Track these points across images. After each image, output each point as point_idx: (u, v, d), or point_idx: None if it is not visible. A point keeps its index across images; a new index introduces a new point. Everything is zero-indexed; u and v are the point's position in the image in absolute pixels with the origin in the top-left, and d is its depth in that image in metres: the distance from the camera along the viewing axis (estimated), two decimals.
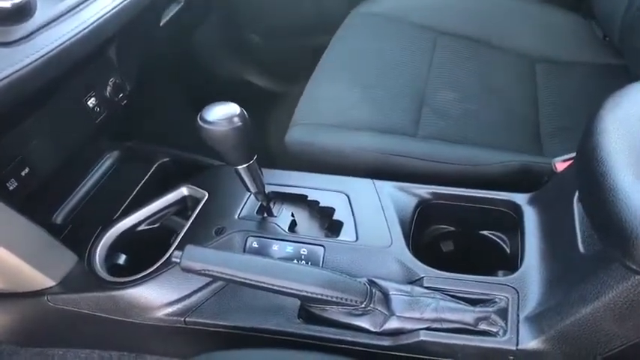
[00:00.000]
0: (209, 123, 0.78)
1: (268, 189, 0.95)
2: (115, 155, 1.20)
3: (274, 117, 1.58)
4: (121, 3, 0.93)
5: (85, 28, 0.82)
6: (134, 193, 1.15)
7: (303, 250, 0.85)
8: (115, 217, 1.07)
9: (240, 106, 0.80)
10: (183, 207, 1.05)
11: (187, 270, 0.77)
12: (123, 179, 1.18)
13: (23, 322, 0.98)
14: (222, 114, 0.79)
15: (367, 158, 1.03)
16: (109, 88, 1.08)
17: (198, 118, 0.79)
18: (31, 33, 0.74)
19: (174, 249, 0.84)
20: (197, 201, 1.02)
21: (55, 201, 1.09)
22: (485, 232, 0.91)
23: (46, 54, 0.74)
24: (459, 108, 1.16)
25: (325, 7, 1.65)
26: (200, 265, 0.76)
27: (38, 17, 0.77)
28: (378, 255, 0.82)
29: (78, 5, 0.85)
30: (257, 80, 1.82)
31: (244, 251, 0.87)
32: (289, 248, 0.86)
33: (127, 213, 1.05)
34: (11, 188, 0.90)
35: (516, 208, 0.86)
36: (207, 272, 0.76)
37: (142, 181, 1.17)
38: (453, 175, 0.97)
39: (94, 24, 0.85)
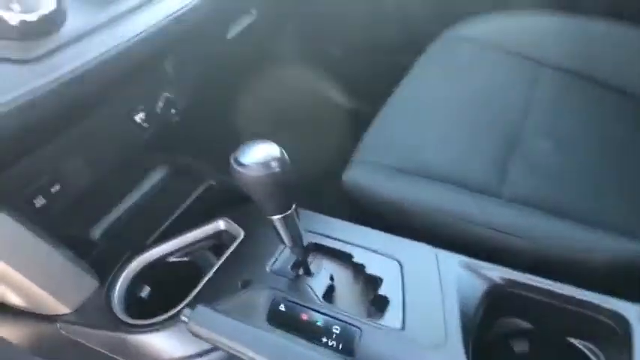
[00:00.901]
0: (242, 165, 0.65)
1: (309, 238, 0.80)
2: (161, 170, 1.11)
3: (341, 139, 1.43)
4: (177, 12, 0.82)
5: (122, 44, 0.73)
6: (176, 214, 1.06)
7: (336, 328, 0.69)
8: (149, 240, 0.98)
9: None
10: (217, 242, 0.94)
11: (194, 334, 0.65)
12: (167, 197, 1.09)
13: (34, 343, 0.92)
14: (258, 156, 0.66)
15: (431, 218, 0.85)
16: (160, 104, 0.99)
17: (231, 158, 0.67)
18: (53, 50, 0.65)
19: (187, 305, 0.72)
20: (232, 238, 0.89)
21: (93, 214, 1.02)
22: (573, 341, 0.70)
23: (67, 74, 0.65)
24: (560, 162, 0.93)
25: (414, 25, 1.47)
26: (208, 332, 0.64)
27: (68, 30, 0.67)
28: (426, 354, 0.64)
29: (121, 16, 0.75)
30: (332, 95, 1.68)
31: (268, 313, 0.73)
32: (320, 321, 0.70)
33: (162, 237, 0.95)
34: (38, 205, 0.82)
35: (624, 322, 0.65)
36: (214, 341, 0.64)
37: (186, 203, 1.07)
38: (541, 257, 0.77)
39: (135, 39, 0.75)
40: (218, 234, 0.93)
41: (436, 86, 1.14)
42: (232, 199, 1.03)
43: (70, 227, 0.96)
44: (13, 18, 0.59)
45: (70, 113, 0.76)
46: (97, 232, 1.03)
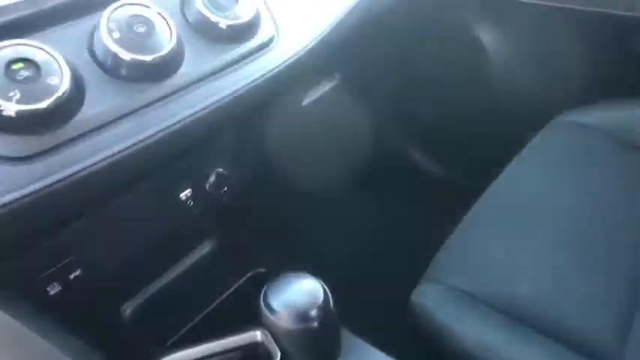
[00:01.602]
0: (272, 311, 0.51)
1: None
2: (207, 247, 0.98)
3: (432, 214, 1.24)
4: (252, 82, 0.69)
5: (171, 125, 0.60)
6: (213, 305, 0.92)
7: None
8: (180, 331, 0.85)
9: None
10: (251, 356, 0.78)
11: None
12: (209, 278, 0.96)
13: None
14: (295, 300, 0.50)
15: None
16: (211, 180, 0.86)
17: (261, 297, 0.52)
18: (69, 140, 0.53)
19: None
20: (268, 356, 0.74)
21: (127, 287, 0.91)
22: None
23: (85, 166, 0.53)
24: None
25: (526, 102, 1.25)
26: None
27: (87, 117, 0.56)
28: None
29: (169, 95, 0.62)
30: (422, 163, 1.50)
31: None
32: None
33: (193, 330, 0.82)
34: (52, 293, 0.72)
35: None
36: None
37: (227, 292, 0.93)
38: None
39: (190, 118, 0.62)
40: (254, 346, 0.78)
41: (539, 186, 0.92)
42: None
43: (102, 298, 0.86)
44: (11, 108, 0.48)
45: (95, 202, 0.65)
46: (128, 310, 0.92)
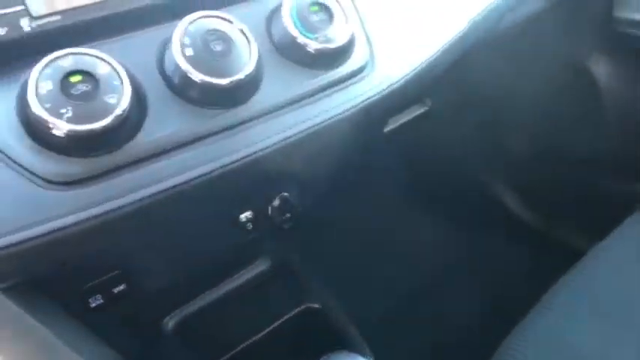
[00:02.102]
0: None
1: None
2: (259, 269, 0.91)
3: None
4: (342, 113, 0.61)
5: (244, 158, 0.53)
6: (261, 333, 0.85)
7: None
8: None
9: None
10: None
11: None
12: (258, 303, 0.89)
13: None
14: None
15: None
16: (275, 204, 0.78)
17: None
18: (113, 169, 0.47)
19: None
20: None
21: (171, 300, 0.86)
22: None
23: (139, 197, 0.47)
24: None
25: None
26: None
27: (141, 144, 0.49)
28: None
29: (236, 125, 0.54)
30: (506, 201, 1.36)
31: None
32: None
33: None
34: (92, 305, 0.67)
35: None
36: None
37: (276, 323, 0.86)
38: None
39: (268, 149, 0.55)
40: None
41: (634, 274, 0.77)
42: (334, 338, 0.80)
43: (142, 312, 0.81)
44: (61, 127, 0.42)
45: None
46: (170, 323, 0.87)
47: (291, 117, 0.55)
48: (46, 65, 0.44)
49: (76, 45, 0.48)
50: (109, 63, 0.46)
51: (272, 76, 0.54)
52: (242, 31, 0.51)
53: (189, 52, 0.48)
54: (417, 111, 0.95)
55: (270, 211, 0.79)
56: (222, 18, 0.51)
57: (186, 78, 0.48)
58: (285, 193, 0.79)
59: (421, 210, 1.20)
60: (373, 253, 1.12)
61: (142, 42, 0.50)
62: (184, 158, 0.50)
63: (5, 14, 0.45)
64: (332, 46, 0.56)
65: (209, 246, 0.76)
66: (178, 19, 0.50)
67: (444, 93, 1.02)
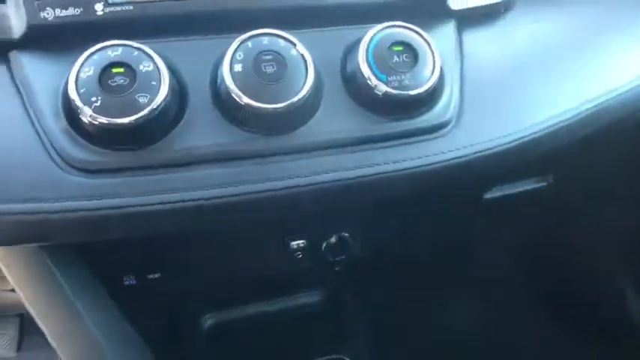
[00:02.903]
0: None
1: None
2: (309, 298, 0.85)
3: None
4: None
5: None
6: None
7: None
8: None
9: None
10: None
11: None
12: (295, 334, 0.84)
13: None
14: None
15: None
16: (331, 241, 0.72)
17: None
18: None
19: None
20: None
21: (212, 303, 0.85)
22: None
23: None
24: None
25: None
26: None
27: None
28: None
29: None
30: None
31: None
32: None
33: None
34: (126, 283, 0.68)
35: None
36: None
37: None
38: None
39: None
40: None
41: None
42: None
43: (184, 305, 0.81)
44: (86, 114, 0.41)
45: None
46: (208, 322, 0.86)
47: (337, 161, 0.48)
48: (95, 52, 0.44)
49: (145, 38, 0.48)
50: (153, 61, 0.44)
51: (330, 111, 0.48)
52: (303, 57, 0.46)
53: (238, 68, 0.45)
54: (530, 185, 0.81)
55: (324, 247, 0.73)
56: (285, 39, 0.46)
57: (228, 95, 0.45)
58: (345, 234, 0.72)
59: (518, 302, 1.03)
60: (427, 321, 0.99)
61: (203, 48, 0.48)
62: (210, 174, 0.46)
63: None
64: (407, 93, 0.48)
65: (251, 262, 0.73)
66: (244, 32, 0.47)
67: (575, 171, 0.85)
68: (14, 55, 0.47)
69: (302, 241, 0.71)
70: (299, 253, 0.72)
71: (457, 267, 1.02)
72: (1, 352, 0.92)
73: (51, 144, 0.44)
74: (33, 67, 0.47)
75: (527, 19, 0.62)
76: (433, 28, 0.55)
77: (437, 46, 0.52)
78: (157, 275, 0.69)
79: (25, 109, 0.46)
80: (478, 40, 0.58)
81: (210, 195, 0.45)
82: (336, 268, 0.74)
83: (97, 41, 0.46)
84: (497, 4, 0.59)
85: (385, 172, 0.49)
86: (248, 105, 0.44)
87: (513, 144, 0.54)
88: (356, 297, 0.90)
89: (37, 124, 0.45)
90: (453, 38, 0.56)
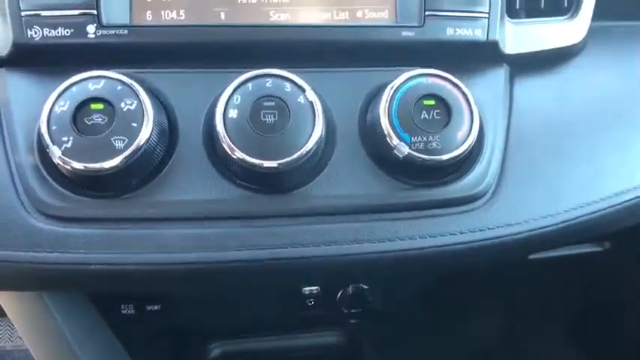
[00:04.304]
0: None
1: None
2: (326, 335, 0.77)
3: None
4: None
5: None
6: None
7: None
8: None
9: None
10: None
11: None
12: None
13: None
14: None
15: None
16: (347, 292, 0.64)
17: None
18: None
19: None
20: None
21: (220, 332, 0.78)
22: None
23: None
24: None
25: None
26: None
27: None
28: None
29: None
30: None
31: None
32: None
33: None
34: (123, 312, 0.63)
35: None
36: None
37: None
38: None
39: None
40: None
41: None
42: None
43: (189, 334, 0.75)
44: (55, 154, 0.35)
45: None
46: (215, 351, 0.80)
47: (350, 230, 0.40)
48: (74, 84, 0.37)
49: (138, 66, 0.41)
50: (138, 98, 0.37)
51: (340, 170, 0.40)
52: (312, 106, 0.38)
53: (233, 114, 0.37)
54: (583, 249, 0.69)
55: (338, 297, 0.65)
56: (293, 83, 0.38)
57: (219, 144, 0.37)
58: (364, 286, 0.64)
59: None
60: None
61: (202, 83, 0.41)
62: (191, 235, 0.39)
63: (74, 16, 0.40)
64: (433, 158, 0.38)
65: (259, 300, 0.66)
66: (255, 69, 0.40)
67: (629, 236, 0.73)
68: (1, 73, 0.43)
69: (315, 288, 0.63)
70: (311, 300, 0.64)
71: (491, 313, 0.91)
72: None
73: (20, 182, 0.39)
74: (16, 90, 0.41)
75: (595, 70, 0.51)
76: (479, 74, 0.45)
77: (481, 98, 0.42)
78: (156, 307, 0.63)
79: (2, 135, 0.41)
80: (532, 91, 0.47)
81: (186, 259, 0.38)
82: (351, 320, 0.66)
83: (87, 65, 0.40)
84: (560, 49, 0.48)
85: (399, 250, 0.40)
86: (240, 160, 0.37)
87: (564, 225, 0.43)
88: (373, 340, 0.82)
89: (10, 156, 0.39)
90: (502, 89, 0.45)
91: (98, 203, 0.38)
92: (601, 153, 0.46)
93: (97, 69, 0.40)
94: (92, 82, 0.38)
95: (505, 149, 0.43)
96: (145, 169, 0.38)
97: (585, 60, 0.51)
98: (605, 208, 0.44)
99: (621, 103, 0.49)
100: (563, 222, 0.43)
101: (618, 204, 0.44)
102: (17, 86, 0.41)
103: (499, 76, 0.46)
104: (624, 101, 0.49)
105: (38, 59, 0.41)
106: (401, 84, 0.39)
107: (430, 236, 0.40)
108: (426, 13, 0.42)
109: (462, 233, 0.41)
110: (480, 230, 0.41)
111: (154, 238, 0.39)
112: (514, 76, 0.47)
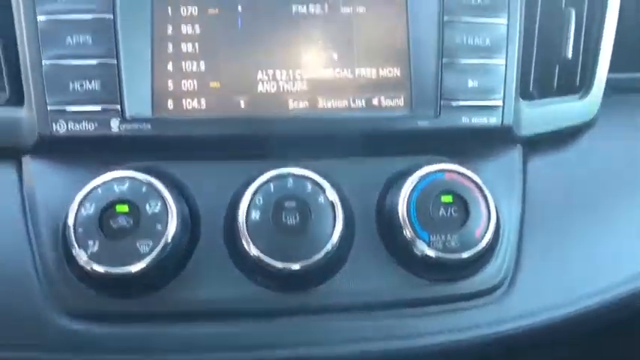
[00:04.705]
0: None
1: None
2: None
3: None
4: None
5: None
6: None
7: None
8: None
9: None
10: None
11: None
12: None
13: None
14: None
15: None
16: None
17: None
18: None
19: None
20: None
21: None
22: None
23: None
24: None
25: None
26: None
27: None
28: None
29: None
30: None
31: None
32: None
33: None
34: None
35: None
36: None
37: None
38: None
39: None
40: None
41: None
42: None
43: None
44: (81, 258, 0.36)
45: None
46: None
47: (368, 327, 0.40)
48: (99, 185, 0.38)
49: (160, 157, 0.42)
50: (163, 200, 0.38)
51: (358, 266, 0.40)
52: (332, 205, 0.39)
53: (256, 216, 0.38)
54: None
55: None
56: (313, 182, 0.39)
57: (242, 247, 0.38)
58: None
59: None
60: None
61: (224, 175, 0.41)
62: (208, 333, 0.40)
63: (98, 111, 0.41)
64: (452, 257, 0.39)
65: None
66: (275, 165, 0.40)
67: None
68: (26, 162, 0.43)
69: None
70: None
71: None
72: None
73: (45, 279, 0.39)
74: (41, 180, 0.42)
75: (608, 142, 0.51)
76: (493, 157, 0.46)
77: (495, 184, 0.43)
78: None
79: (27, 226, 0.41)
80: (546, 169, 0.48)
81: (209, 358, 0.39)
82: None
83: (111, 155, 0.41)
84: (570, 128, 0.49)
85: (419, 347, 0.40)
86: (263, 262, 0.37)
87: (585, 311, 0.43)
88: None
89: (34, 248, 0.40)
90: (516, 171, 0.46)
91: (122, 303, 0.39)
92: (618, 231, 0.46)
93: (120, 159, 0.41)
94: (117, 183, 0.38)
95: (520, 236, 0.44)
96: (168, 270, 0.39)
97: (598, 133, 0.51)
98: (624, 293, 0.44)
99: (637, 176, 0.50)
100: (583, 308, 0.43)
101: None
102: (42, 177, 0.42)
103: (513, 157, 0.47)
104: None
105: (63, 149, 0.42)
106: (419, 180, 0.40)
107: (450, 331, 0.41)
108: (442, 102, 0.43)
109: (480, 327, 0.41)
110: (498, 323, 0.41)
111: (176, 336, 0.39)
112: (527, 154, 0.48)
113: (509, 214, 0.44)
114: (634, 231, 0.47)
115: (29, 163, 0.43)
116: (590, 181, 0.48)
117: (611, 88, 0.51)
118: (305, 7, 0.44)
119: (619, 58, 0.52)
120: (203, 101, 0.43)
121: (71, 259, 0.38)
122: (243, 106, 0.44)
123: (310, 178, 0.39)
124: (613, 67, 0.52)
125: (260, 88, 0.43)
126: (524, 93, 0.48)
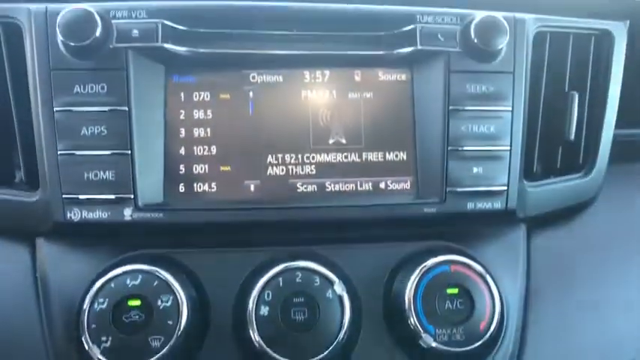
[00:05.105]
0: None
1: None
2: None
3: None
4: None
5: None
6: None
7: None
8: None
9: None
10: None
11: None
12: None
13: None
14: None
15: None
16: None
17: None
18: None
19: None
20: None
21: None
22: None
23: None
24: None
25: None
26: None
27: None
28: None
29: None
30: None
31: None
32: None
33: None
34: None
35: None
36: None
37: None
38: None
39: None
40: None
41: None
42: None
43: None
44: (95, 354, 0.36)
45: None
46: None
47: None
48: (112, 279, 0.39)
49: (172, 245, 0.43)
50: (174, 294, 0.38)
51: (363, 355, 0.41)
52: (340, 300, 0.39)
53: (265, 311, 0.38)
54: None
55: None
56: (322, 276, 0.39)
57: (250, 341, 0.39)
58: None
59: None
60: None
61: (233, 263, 0.42)
62: None
63: (111, 200, 0.42)
64: (457, 350, 0.39)
65: None
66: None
67: None
68: (40, 245, 0.44)
69: None
70: None
71: None
72: None
73: None
74: (54, 265, 0.43)
75: (609, 215, 0.51)
76: (496, 239, 0.46)
77: (499, 268, 0.43)
78: None
79: (40, 314, 0.42)
80: (549, 246, 0.48)
81: None
82: None
83: (123, 243, 0.42)
84: (571, 207, 0.50)
85: None
86: (269, 356, 0.38)
87: None
88: None
89: (47, 340, 0.41)
90: (520, 252, 0.47)
91: None
92: (616, 315, 0.47)
93: (133, 245, 0.42)
94: (130, 277, 0.39)
95: (525, 321, 0.44)
96: None
97: (600, 206, 0.52)
98: None
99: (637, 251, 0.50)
100: None
101: None
102: (56, 261, 0.43)
103: (517, 237, 0.47)
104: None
105: (76, 234, 0.43)
106: (424, 274, 0.41)
107: None
108: (448, 189, 0.44)
109: None
110: None
111: None
112: (531, 230, 0.49)
113: (513, 294, 0.44)
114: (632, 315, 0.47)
115: (43, 247, 0.43)
116: (593, 252, 0.49)
117: (613, 144, 0.51)
118: (314, 92, 0.45)
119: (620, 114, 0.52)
120: (214, 184, 0.44)
121: (84, 354, 0.38)
122: (252, 189, 0.44)
123: (319, 272, 0.40)
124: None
125: (269, 171, 0.44)
126: (528, 172, 0.48)
